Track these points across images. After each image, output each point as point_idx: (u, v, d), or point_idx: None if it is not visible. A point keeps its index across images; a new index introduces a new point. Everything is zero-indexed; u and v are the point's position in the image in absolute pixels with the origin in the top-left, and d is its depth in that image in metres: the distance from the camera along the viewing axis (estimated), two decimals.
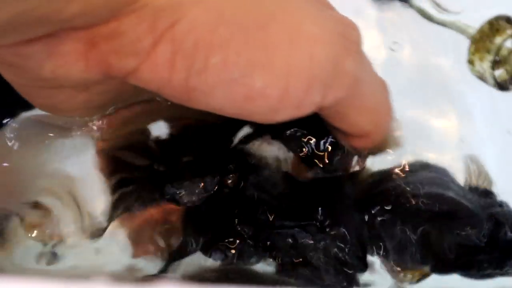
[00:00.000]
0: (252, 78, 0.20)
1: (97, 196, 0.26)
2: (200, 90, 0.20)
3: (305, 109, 0.21)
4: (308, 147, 0.26)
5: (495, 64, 0.35)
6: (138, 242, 0.26)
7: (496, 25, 0.35)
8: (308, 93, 0.21)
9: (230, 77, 0.19)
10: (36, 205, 0.25)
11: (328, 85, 0.21)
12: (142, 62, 0.19)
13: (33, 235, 0.26)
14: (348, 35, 0.22)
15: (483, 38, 0.35)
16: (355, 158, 0.27)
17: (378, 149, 0.27)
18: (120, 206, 0.26)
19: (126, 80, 0.20)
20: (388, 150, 0.28)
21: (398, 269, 0.28)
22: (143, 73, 0.20)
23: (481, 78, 0.35)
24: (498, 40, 0.35)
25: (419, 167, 0.29)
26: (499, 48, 0.35)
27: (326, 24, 0.21)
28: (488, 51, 0.35)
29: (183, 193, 0.26)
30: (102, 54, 0.19)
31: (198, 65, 0.19)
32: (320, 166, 0.26)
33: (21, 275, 0.21)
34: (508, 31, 0.35)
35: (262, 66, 0.20)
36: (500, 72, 0.35)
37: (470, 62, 0.35)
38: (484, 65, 0.35)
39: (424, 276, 0.28)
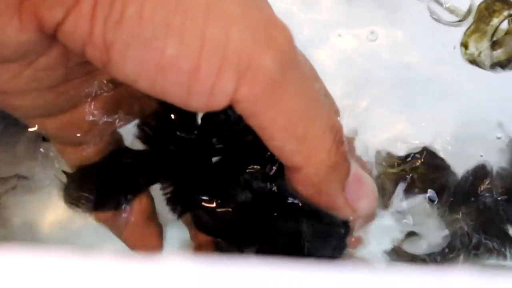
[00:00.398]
0: (164, 42, 0.20)
1: None
2: (116, 48, 0.20)
3: (218, 99, 0.21)
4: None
5: (493, 45, 0.35)
6: None
7: (492, 6, 0.35)
8: (219, 76, 0.20)
9: (144, 36, 0.20)
10: None
11: (241, 74, 0.20)
12: (69, 11, 0.20)
13: None
14: (274, 33, 0.21)
15: (480, 20, 0.35)
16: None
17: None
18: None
19: (56, 36, 0.21)
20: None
21: None
22: (68, 25, 0.20)
23: (474, 61, 0.35)
24: (494, 21, 0.35)
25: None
26: (495, 30, 0.35)
27: (251, 11, 0.21)
28: (485, 33, 0.35)
29: None
30: (33, 5, 0.20)
31: (115, 15, 0.20)
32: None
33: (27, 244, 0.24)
34: (505, 12, 0.35)
35: (175, 30, 0.20)
36: (498, 53, 0.35)
37: (464, 44, 0.35)
38: (481, 46, 0.35)
39: None
